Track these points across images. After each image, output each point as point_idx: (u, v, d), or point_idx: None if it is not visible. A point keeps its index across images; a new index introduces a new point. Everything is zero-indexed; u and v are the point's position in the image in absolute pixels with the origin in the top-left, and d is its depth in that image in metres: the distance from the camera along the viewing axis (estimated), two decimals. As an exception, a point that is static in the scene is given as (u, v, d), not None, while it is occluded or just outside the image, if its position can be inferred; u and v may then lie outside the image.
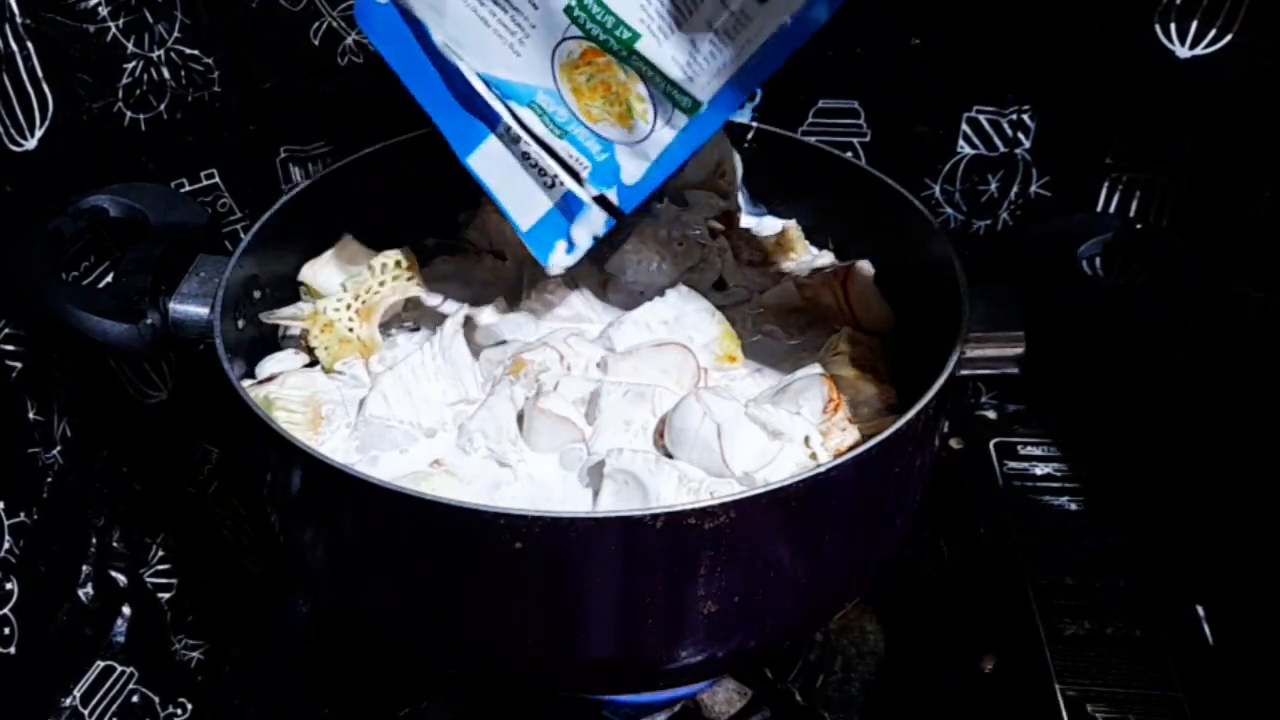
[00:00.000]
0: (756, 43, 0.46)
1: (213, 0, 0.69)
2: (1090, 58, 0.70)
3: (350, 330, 0.60)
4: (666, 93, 0.48)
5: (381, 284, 0.61)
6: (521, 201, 0.52)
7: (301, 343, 0.61)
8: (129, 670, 0.70)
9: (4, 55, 0.58)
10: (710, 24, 0.46)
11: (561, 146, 0.50)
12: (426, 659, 0.65)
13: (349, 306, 0.60)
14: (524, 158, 0.52)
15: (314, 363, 0.61)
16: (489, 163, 0.52)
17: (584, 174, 0.51)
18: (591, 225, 0.52)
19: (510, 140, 0.51)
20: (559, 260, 0.53)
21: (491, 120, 0.51)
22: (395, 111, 0.73)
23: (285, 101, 0.74)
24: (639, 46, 0.47)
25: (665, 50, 0.47)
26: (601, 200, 0.51)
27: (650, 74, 0.48)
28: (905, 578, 0.72)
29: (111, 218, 0.61)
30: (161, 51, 0.68)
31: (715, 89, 0.47)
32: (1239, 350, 0.68)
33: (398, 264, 0.62)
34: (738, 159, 0.71)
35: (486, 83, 0.50)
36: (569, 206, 0.52)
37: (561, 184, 0.51)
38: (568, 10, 0.48)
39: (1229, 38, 0.64)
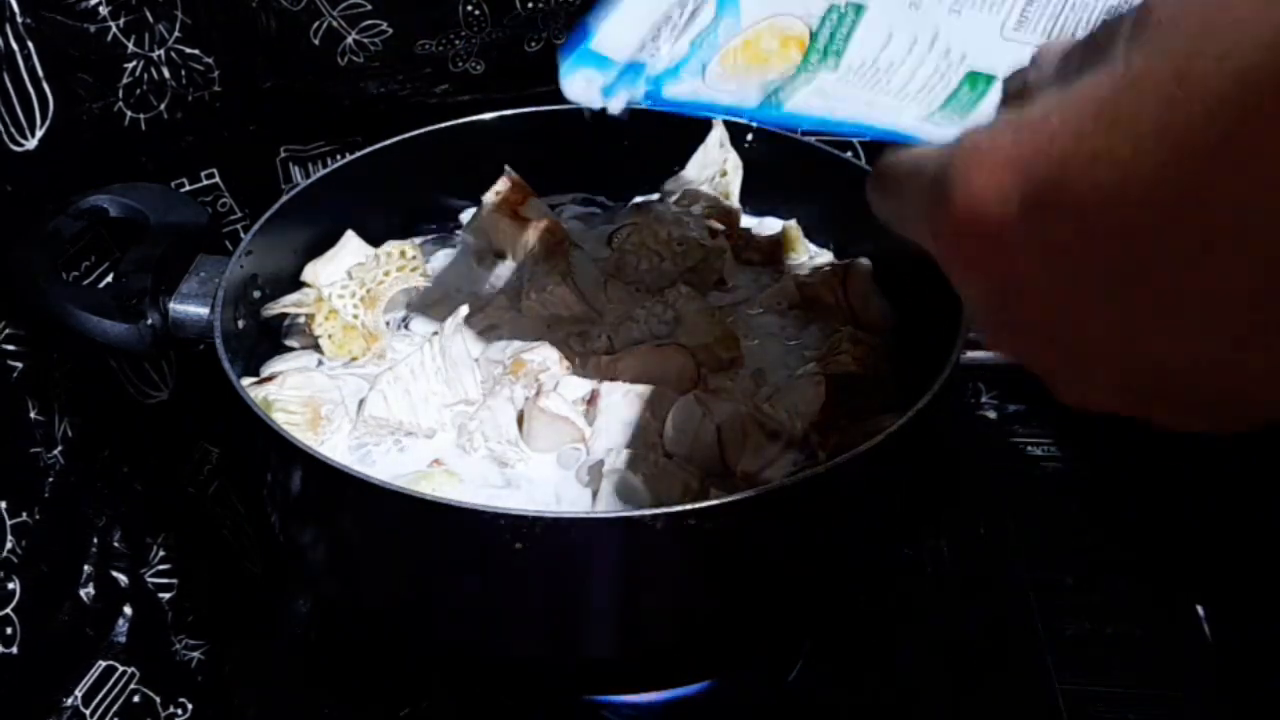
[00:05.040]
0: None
1: (213, 0, 0.69)
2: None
3: (354, 317, 0.60)
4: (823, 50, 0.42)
5: (386, 273, 0.62)
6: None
7: (305, 330, 0.61)
8: (130, 670, 0.70)
9: (4, 55, 0.58)
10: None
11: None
12: (426, 658, 0.65)
13: (354, 294, 0.61)
14: None
15: (322, 360, 0.61)
16: None
17: (681, 49, 0.41)
18: (631, 90, 0.43)
19: None
20: (572, 84, 0.42)
21: None
22: (395, 111, 0.74)
23: (285, 101, 0.74)
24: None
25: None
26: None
27: (833, 33, 0.41)
28: (905, 577, 0.72)
29: (111, 218, 0.61)
30: (161, 51, 0.68)
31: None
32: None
33: (403, 254, 0.62)
34: (738, 159, 0.71)
35: None
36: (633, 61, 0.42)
37: (672, 36, 0.41)
38: None
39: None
